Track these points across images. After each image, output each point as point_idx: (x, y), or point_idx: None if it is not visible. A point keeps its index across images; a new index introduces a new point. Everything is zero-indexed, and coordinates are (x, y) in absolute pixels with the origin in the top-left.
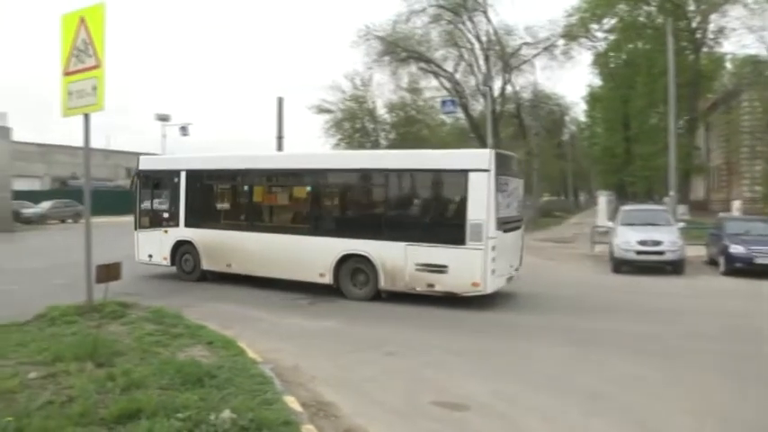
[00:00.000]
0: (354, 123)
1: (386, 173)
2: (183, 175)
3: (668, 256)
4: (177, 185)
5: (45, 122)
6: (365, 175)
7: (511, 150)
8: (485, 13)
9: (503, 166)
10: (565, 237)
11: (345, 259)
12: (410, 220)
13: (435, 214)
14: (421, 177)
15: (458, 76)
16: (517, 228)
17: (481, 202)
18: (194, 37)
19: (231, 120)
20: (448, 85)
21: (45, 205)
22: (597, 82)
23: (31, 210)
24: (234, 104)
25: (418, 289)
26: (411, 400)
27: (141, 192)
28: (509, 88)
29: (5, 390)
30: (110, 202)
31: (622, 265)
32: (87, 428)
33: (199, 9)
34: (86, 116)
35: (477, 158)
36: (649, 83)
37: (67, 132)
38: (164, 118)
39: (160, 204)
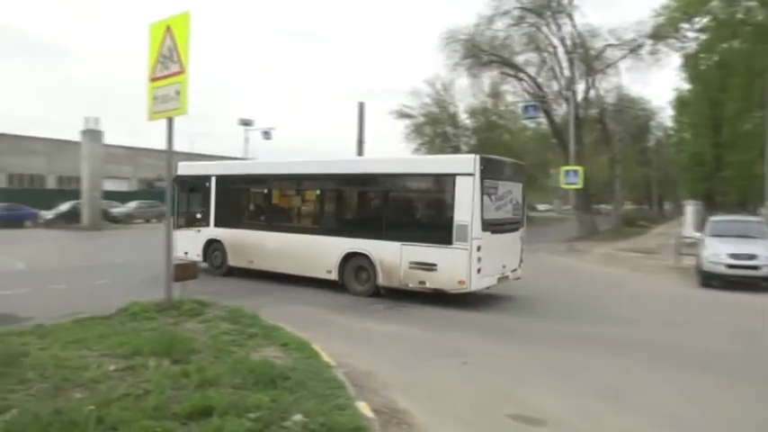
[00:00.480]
0: (436, 128)
1: (383, 177)
2: (213, 180)
3: (764, 271)
4: (208, 189)
5: (137, 126)
6: (365, 179)
7: (593, 156)
8: (569, 14)
9: (490, 170)
10: (649, 247)
11: (349, 257)
12: (404, 222)
13: (426, 216)
14: (414, 181)
15: (540, 80)
16: (513, 230)
17: (466, 205)
18: (278, 43)
19: (313, 124)
20: (530, 89)
21: (131, 205)
22: (685, 86)
23: (118, 209)
24: (316, 109)
25: (411, 285)
26: (487, 411)
27: (179, 195)
28: (592, 92)
29: (89, 379)
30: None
31: (711, 279)
32: (160, 422)
33: (283, 15)
34: (170, 120)
35: (463, 163)
36: (745, 85)
37: (156, 135)
38: (247, 123)
39: (194, 206)
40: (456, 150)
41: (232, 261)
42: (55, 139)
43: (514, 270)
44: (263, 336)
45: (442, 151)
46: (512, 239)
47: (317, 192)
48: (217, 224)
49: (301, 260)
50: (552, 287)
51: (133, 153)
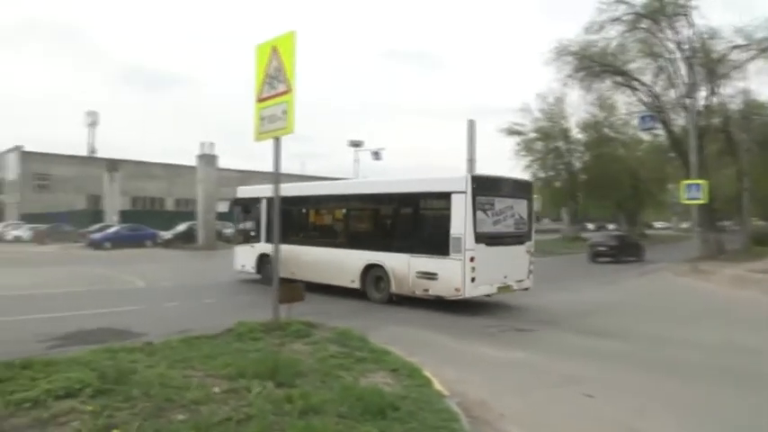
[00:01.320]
0: (548, 144)
1: (393, 196)
2: (263, 201)
3: None
4: (260, 210)
5: (250, 150)
6: (380, 198)
7: (717, 169)
8: (687, 16)
9: (484, 188)
10: None
11: (369, 268)
12: (411, 236)
13: (429, 230)
14: (419, 199)
15: (657, 88)
16: (516, 243)
17: (460, 219)
18: (386, 63)
19: (423, 144)
20: (646, 99)
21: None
22: None
23: (230, 230)
24: (427, 129)
25: (417, 293)
26: None
27: (237, 215)
28: (715, 99)
29: (192, 400)
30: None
31: None
32: None
33: (390, 35)
34: (277, 140)
35: (457, 182)
36: None
37: (269, 158)
38: (356, 144)
39: (250, 225)
40: (568, 166)
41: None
42: (173, 164)
43: (520, 281)
44: (372, 360)
45: (554, 168)
46: (514, 252)
47: (341, 210)
48: (267, 240)
49: (330, 271)
50: (672, 309)
51: (247, 176)
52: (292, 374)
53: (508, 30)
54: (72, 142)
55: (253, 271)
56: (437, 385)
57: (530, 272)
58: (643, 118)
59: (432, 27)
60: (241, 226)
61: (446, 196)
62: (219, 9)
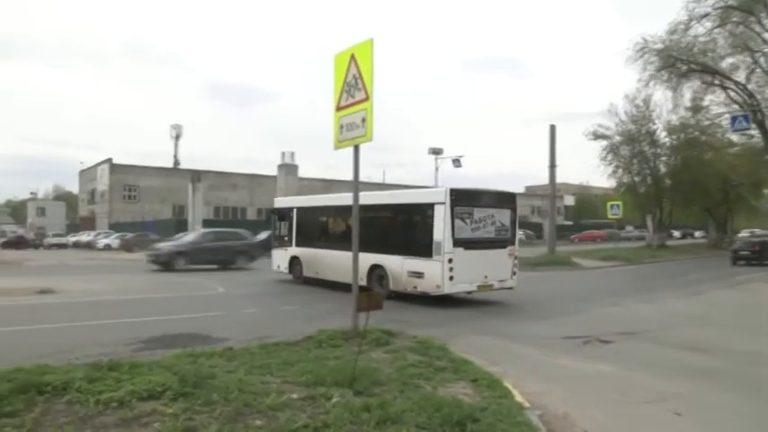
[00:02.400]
0: (633, 147)
1: (390, 206)
2: (294, 210)
3: None
4: (291, 217)
5: (331, 159)
6: (381, 207)
7: None
8: None
9: (462, 200)
10: None
11: (374, 268)
12: (404, 240)
13: (417, 236)
14: (410, 209)
15: (751, 86)
16: (498, 247)
17: (439, 227)
18: (464, 70)
19: (505, 150)
20: (739, 98)
21: None
22: None
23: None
24: (508, 135)
25: (409, 289)
26: None
27: (274, 223)
28: None
29: (269, 406)
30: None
31: None
32: None
33: (470, 41)
34: (356, 147)
35: (438, 194)
36: None
37: (350, 167)
38: (437, 152)
39: (284, 231)
40: (654, 171)
41: (306, 272)
42: (254, 174)
43: (503, 280)
44: (452, 369)
45: (639, 173)
46: (495, 255)
47: (350, 218)
48: (297, 244)
49: (345, 271)
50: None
51: (327, 185)
52: (371, 383)
53: (588, 33)
54: (159, 154)
55: (285, 271)
56: (518, 397)
57: (513, 273)
58: (735, 118)
59: (510, 33)
60: (277, 232)
61: (431, 207)
62: (300, 22)
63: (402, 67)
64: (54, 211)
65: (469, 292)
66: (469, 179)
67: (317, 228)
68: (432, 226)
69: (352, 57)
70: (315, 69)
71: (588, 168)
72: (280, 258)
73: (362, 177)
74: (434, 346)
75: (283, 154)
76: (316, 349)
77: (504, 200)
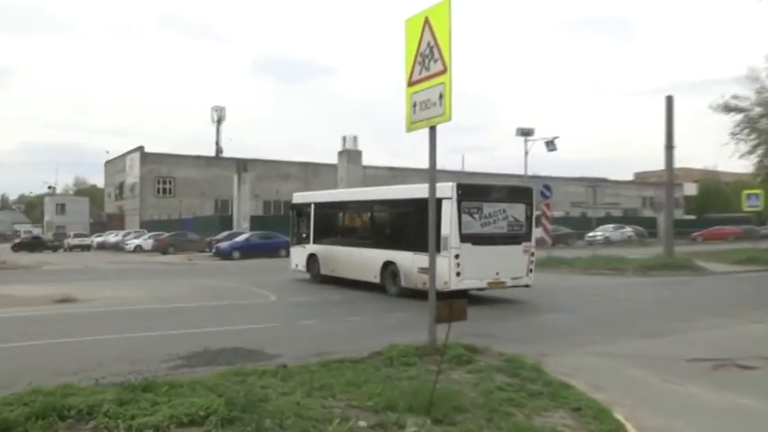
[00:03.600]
0: None
1: (402, 201)
2: (312, 206)
3: None
4: (309, 214)
5: (399, 145)
6: (393, 203)
7: None
8: None
9: (469, 195)
10: None
11: (387, 265)
12: (414, 236)
13: (426, 231)
14: (419, 204)
15: None
16: (511, 243)
17: (446, 222)
18: (554, 39)
19: (609, 129)
20: None
21: None
22: None
23: None
24: (611, 111)
25: (419, 286)
26: None
27: (293, 219)
28: None
29: None
30: None
31: None
32: None
33: (564, 6)
34: (432, 129)
35: (445, 189)
36: None
37: (420, 154)
38: (526, 132)
39: (302, 228)
40: None
41: (323, 270)
42: (310, 162)
43: (517, 278)
44: (549, 395)
45: None
46: (507, 251)
47: (366, 213)
48: (315, 241)
49: (359, 268)
50: None
51: (395, 174)
52: (452, 409)
53: None
54: (198, 141)
55: (303, 270)
56: None
57: (530, 270)
58: None
59: None
60: (295, 229)
61: (438, 202)
62: None
63: (482, 33)
64: (75, 208)
65: (480, 290)
66: (565, 165)
67: (335, 224)
68: (439, 221)
69: (426, 21)
70: (380, 37)
71: (715, 149)
72: (298, 256)
73: (438, 165)
74: (526, 366)
75: (344, 139)
76: (386, 368)
77: (518, 194)
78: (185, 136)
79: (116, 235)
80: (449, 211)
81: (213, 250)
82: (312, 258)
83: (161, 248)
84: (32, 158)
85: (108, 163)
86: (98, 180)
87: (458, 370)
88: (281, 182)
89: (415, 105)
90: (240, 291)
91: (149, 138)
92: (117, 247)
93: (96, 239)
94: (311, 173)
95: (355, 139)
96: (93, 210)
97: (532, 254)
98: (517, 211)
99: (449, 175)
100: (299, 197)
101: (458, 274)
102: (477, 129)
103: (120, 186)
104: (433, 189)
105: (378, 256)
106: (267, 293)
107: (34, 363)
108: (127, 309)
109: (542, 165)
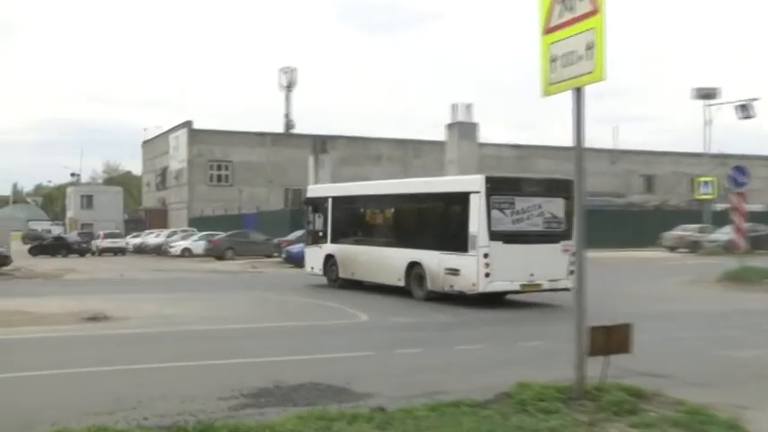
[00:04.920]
0: None
1: (427, 195)
2: (329, 200)
3: None
4: (326, 209)
5: (527, 117)
6: (417, 197)
7: None
8: None
9: (500, 188)
10: None
11: (412, 266)
12: (441, 234)
13: (453, 228)
14: (445, 198)
15: None
16: (547, 242)
17: (474, 218)
18: None
19: None
20: None
21: None
22: None
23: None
24: None
25: (446, 289)
26: None
27: (308, 215)
28: None
29: None
30: (615, 227)
31: None
32: None
33: None
34: (578, 91)
35: (473, 183)
36: None
37: (555, 128)
38: (708, 94)
39: (318, 225)
40: None
41: (342, 273)
42: (408, 139)
43: (555, 280)
44: None
45: None
46: (544, 250)
47: (388, 209)
48: (332, 240)
49: (381, 270)
50: None
51: (522, 154)
52: None
53: None
54: (262, 114)
55: (320, 273)
56: None
57: (570, 272)
58: None
59: None
60: (310, 226)
61: (465, 196)
62: None
63: None
64: (105, 201)
65: (513, 293)
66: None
67: (354, 221)
68: (467, 217)
69: None
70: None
71: None
72: (313, 258)
73: (588, 140)
74: (718, 422)
75: (454, 108)
76: (517, 414)
77: (556, 188)
78: (245, 107)
79: (157, 235)
80: (477, 206)
81: (283, 255)
82: (330, 260)
83: (215, 252)
84: (50, 139)
85: (146, 143)
86: (134, 165)
87: (617, 422)
88: (371, 165)
89: (554, 60)
90: (319, 308)
91: (198, 111)
92: (159, 251)
93: (132, 241)
94: (411, 152)
95: (469, 107)
96: (129, 203)
97: (573, 254)
98: (555, 206)
99: (596, 153)
100: (314, 190)
101: (487, 274)
102: (634, 91)
103: (163, 173)
104: (579, 174)
105: (402, 256)
106: (355, 311)
107: (58, 398)
108: (173, 330)
109: (732, 139)
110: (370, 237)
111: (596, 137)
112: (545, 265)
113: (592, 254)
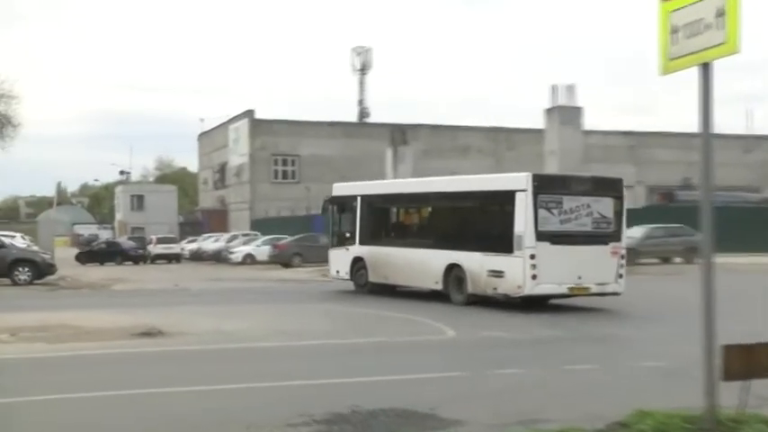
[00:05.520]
0: None
1: (467, 194)
2: (358, 199)
3: None
4: (355, 209)
5: (643, 97)
6: (456, 196)
7: None
8: None
9: (547, 186)
10: None
11: (451, 269)
12: (483, 234)
13: (497, 228)
14: (488, 197)
15: None
16: (596, 243)
17: (521, 218)
18: None
19: None
20: None
21: (635, 234)
22: None
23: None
24: None
25: (488, 292)
26: None
27: (333, 215)
28: None
29: None
30: (749, 228)
31: None
32: None
33: None
34: (705, 68)
35: (519, 180)
36: None
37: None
38: None
39: (345, 226)
40: None
41: (372, 278)
42: (500, 127)
43: (603, 284)
44: None
45: None
46: (593, 252)
47: (424, 208)
48: (361, 242)
49: (417, 273)
50: None
51: (634, 141)
52: None
53: None
54: (332, 102)
55: (346, 277)
56: None
57: (619, 275)
58: None
59: None
60: (335, 227)
61: (510, 195)
62: None
63: None
64: (158, 201)
65: (559, 296)
66: None
67: (386, 221)
68: (512, 217)
69: None
70: None
71: None
72: (339, 261)
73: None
74: None
75: (554, 90)
76: None
77: (605, 187)
78: (313, 95)
79: (216, 240)
80: (523, 205)
81: None
82: (358, 263)
83: (282, 259)
84: (97, 132)
85: (203, 136)
86: (189, 161)
87: None
88: (458, 157)
89: (675, 31)
90: (400, 322)
91: (261, 99)
92: (218, 258)
93: (188, 246)
94: (503, 143)
95: (571, 89)
96: (184, 203)
97: (623, 256)
98: (604, 206)
99: (725, 141)
100: (340, 189)
101: (533, 276)
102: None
103: (221, 169)
104: (707, 165)
105: (440, 258)
106: (441, 326)
107: (105, 421)
108: (235, 347)
109: None
110: (404, 238)
111: (726, 121)
112: (593, 267)
113: (720, 259)
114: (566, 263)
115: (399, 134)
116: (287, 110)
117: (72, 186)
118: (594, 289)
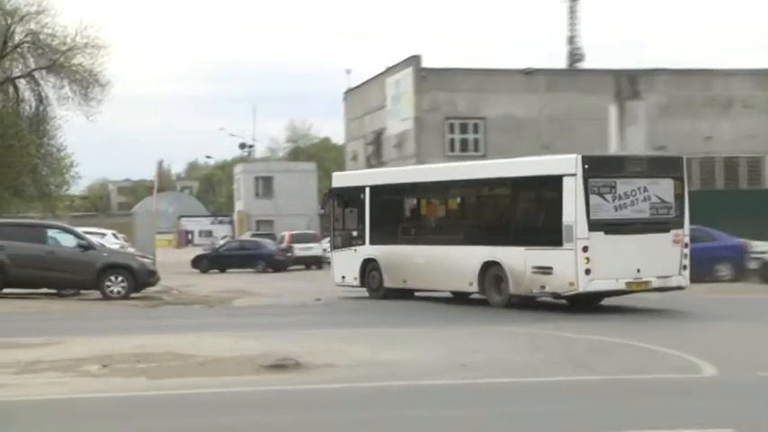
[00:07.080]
0: None
1: (504, 180)
2: (367, 191)
3: None
4: (363, 202)
5: None
6: (491, 183)
7: None
8: None
9: (599, 168)
10: None
11: (487, 267)
12: (525, 226)
13: (542, 219)
14: (530, 183)
15: None
16: (657, 231)
17: (570, 205)
18: None
19: None
20: None
21: None
22: None
23: None
24: None
25: (534, 291)
26: None
27: (334, 211)
28: None
29: None
30: None
31: None
32: None
33: None
34: None
35: (566, 163)
36: None
37: None
38: None
39: (351, 223)
40: None
41: (387, 282)
42: None
43: (666, 276)
44: None
45: None
46: (651, 241)
47: (450, 198)
48: (372, 241)
49: (445, 274)
50: None
51: None
52: None
53: None
54: (531, 45)
55: (356, 283)
56: None
57: (683, 267)
58: None
59: None
60: (338, 224)
61: (557, 180)
62: None
63: None
64: (292, 185)
65: (616, 293)
66: None
67: (403, 215)
68: (560, 205)
69: None
70: None
71: None
72: (345, 264)
73: None
74: None
75: None
76: None
77: (663, 166)
78: (498, 34)
79: None
80: (572, 191)
81: None
82: (370, 265)
83: None
84: (208, 92)
85: (350, 94)
86: (332, 130)
87: None
88: (714, 115)
89: None
90: (627, 351)
91: (428, 43)
92: None
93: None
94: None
95: None
96: (326, 186)
97: (686, 245)
98: (662, 188)
99: None
100: (342, 178)
101: (587, 271)
102: None
103: (377, 138)
104: None
105: (474, 255)
106: (692, 359)
107: None
108: (399, 385)
109: None
110: (427, 234)
111: None
112: (653, 258)
113: None
114: (622, 255)
115: (627, 84)
116: (463, 56)
117: (177, 167)
118: (655, 283)
